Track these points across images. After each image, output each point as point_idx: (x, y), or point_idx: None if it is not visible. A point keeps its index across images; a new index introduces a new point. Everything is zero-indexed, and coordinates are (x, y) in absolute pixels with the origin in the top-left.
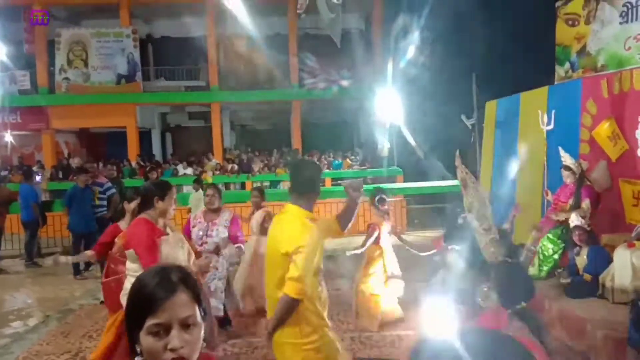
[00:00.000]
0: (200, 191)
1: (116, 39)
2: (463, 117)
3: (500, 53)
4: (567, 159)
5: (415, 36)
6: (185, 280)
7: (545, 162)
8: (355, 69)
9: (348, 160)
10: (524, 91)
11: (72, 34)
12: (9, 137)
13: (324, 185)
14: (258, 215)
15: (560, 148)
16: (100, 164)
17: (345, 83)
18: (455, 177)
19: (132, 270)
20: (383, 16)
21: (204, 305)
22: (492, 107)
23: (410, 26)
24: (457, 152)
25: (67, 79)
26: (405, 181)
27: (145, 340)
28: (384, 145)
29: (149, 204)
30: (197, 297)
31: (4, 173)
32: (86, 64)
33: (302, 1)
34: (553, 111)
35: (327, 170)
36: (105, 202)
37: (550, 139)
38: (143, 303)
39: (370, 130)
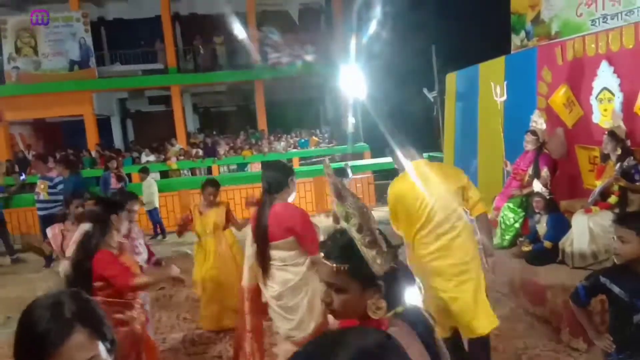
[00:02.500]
0: (149, 179)
1: (66, 24)
2: (425, 91)
3: (458, 24)
4: (539, 123)
5: (374, 11)
6: (82, 314)
7: (502, 133)
8: (317, 45)
9: (314, 137)
10: (483, 62)
11: (18, 21)
12: None
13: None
14: None
15: (536, 111)
16: (57, 155)
17: (308, 59)
18: (422, 150)
19: (289, 260)
20: None
21: (110, 336)
22: (452, 80)
23: (369, 0)
24: (326, 160)
25: (16, 67)
26: (372, 157)
27: None
28: (350, 121)
29: (278, 188)
30: (98, 330)
31: None
32: (36, 52)
33: None
34: (506, 82)
35: (294, 150)
36: (57, 197)
37: (508, 108)
38: (33, 347)
39: (336, 107)
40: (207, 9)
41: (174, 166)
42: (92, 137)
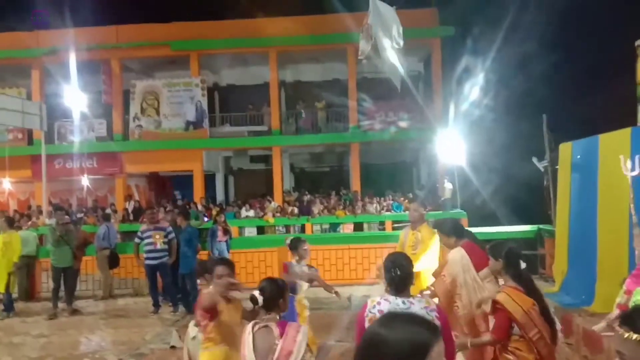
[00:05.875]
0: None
1: (186, 89)
2: (534, 160)
3: (573, 93)
4: None
5: (477, 77)
6: None
7: (632, 211)
8: (414, 111)
9: (407, 202)
10: (601, 132)
11: (145, 85)
12: (85, 181)
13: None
14: None
15: None
16: (168, 206)
17: (404, 125)
18: (527, 222)
19: None
20: (442, 58)
21: None
22: (566, 150)
23: (471, 68)
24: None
25: (140, 126)
26: (469, 225)
27: None
28: (446, 187)
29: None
30: None
31: (79, 215)
32: (158, 112)
33: (364, 48)
34: (637, 156)
35: (387, 213)
36: (167, 247)
37: (637, 185)
38: None
39: (432, 172)
40: (311, 77)
41: (271, 221)
42: (198, 191)
